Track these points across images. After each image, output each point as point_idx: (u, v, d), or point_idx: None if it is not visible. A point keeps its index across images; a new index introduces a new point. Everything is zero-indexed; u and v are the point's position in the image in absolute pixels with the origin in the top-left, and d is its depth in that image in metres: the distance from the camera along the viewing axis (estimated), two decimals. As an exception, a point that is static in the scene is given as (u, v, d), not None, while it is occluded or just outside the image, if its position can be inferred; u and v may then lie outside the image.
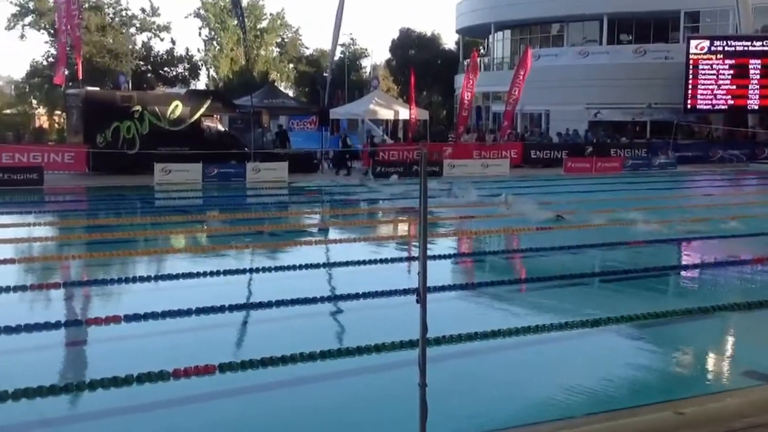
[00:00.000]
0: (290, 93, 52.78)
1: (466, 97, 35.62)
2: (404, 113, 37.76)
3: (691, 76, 38.81)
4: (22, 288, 10.70)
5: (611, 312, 9.46)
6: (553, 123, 42.41)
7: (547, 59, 43.80)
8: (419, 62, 54.47)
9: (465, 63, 47.73)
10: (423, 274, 4.91)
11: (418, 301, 4.95)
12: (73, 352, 8.63)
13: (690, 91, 38.95)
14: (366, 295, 10.26)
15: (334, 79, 43.19)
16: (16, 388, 6.58)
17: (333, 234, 17.05)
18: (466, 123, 36.97)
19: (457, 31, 56.21)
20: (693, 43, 39.08)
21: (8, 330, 8.45)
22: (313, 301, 10.01)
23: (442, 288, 10.72)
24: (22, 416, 6.40)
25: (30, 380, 6.79)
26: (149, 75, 55.33)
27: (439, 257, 13.16)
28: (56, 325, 8.78)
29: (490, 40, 52.66)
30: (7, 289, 10.42)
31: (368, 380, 7.52)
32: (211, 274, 11.65)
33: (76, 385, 6.89)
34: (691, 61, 38.78)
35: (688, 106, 39.24)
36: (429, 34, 65.66)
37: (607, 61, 43.05)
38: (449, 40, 70.54)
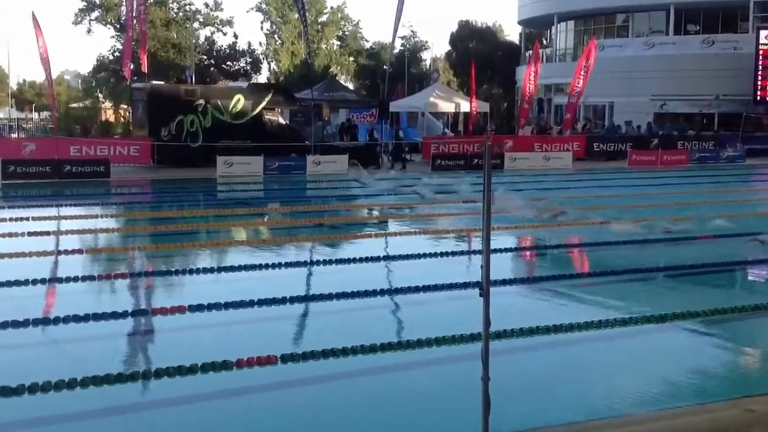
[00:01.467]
0: (350, 86, 52.93)
1: (527, 90, 35.25)
2: (465, 106, 37.55)
3: (760, 67, 37.80)
4: (90, 278, 10.94)
5: (679, 307, 9.27)
6: (617, 115, 41.72)
7: (612, 50, 43.07)
8: (480, 54, 54.07)
9: (527, 55, 47.24)
10: (486, 267, 4.85)
11: (481, 295, 4.90)
12: (139, 341, 8.78)
13: (759, 83, 37.94)
14: (426, 289, 10.25)
15: (393, 72, 43.19)
16: (84, 376, 6.73)
17: (388, 226, 17.04)
18: (527, 115, 36.59)
19: (519, 23, 55.65)
20: (763, 33, 38.04)
21: (77, 319, 8.64)
22: (372, 293, 10.03)
23: (503, 282, 10.63)
24: (91, 403, 6.54)
25: (98, 368, 6.94)
26: (212, 69, 56.08)
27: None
28: (123, 315, 8.96)
29: (553, 31, 52.02)
30: (75, 279, 10.68)
31: (430, 373, 7.49)
32: (273, 266, 11.76)
33: (142, 373, 7.02)
34: (760, 52, 37.76)
35: (758, 98, 38.23)
36: (489, 25, 65.15)
37: (673, 51, 42.13)
38: (511, 32, 69.93)
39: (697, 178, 26.79)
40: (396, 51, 50.27)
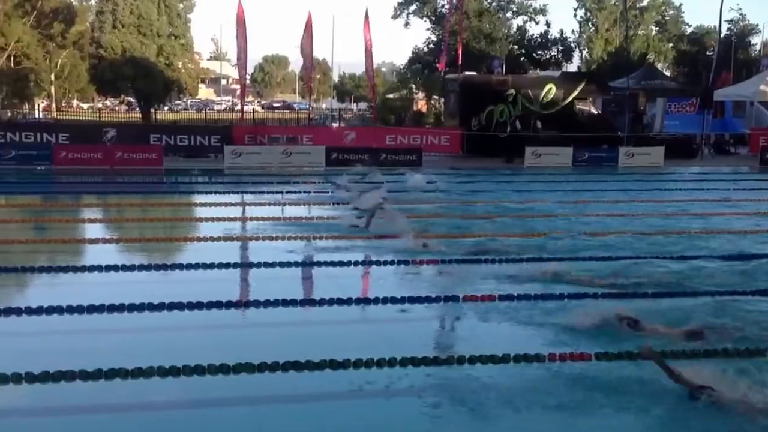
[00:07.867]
0: (667, 74, 50.26)
1: None
2: (801, 94, 34.06)
3: None
4: (404, 263, 11.25)
5: None
6: None
7: None
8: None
9: None
10: None
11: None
12: (448, 326, 8.97)
13: None
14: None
15: (719, 58, 40.30)
16: (403, 356, 6.89)
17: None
18: None
19: None
20: None
21: (394, 300, 8.95)
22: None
23: None
24: (405, 380, 6.71)
25: (411, 349, 7.11)
26: (522, 59, 56.05)
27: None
28: (436, 299, 9.16)
29: None
30: (390, 263, 11.15)
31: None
32: (585, 258, 11.35)
33: (457, 359, 7.03)
34: None
35: None
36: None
37: None
38: None
39: None
40: (722, 35, 46.81)
